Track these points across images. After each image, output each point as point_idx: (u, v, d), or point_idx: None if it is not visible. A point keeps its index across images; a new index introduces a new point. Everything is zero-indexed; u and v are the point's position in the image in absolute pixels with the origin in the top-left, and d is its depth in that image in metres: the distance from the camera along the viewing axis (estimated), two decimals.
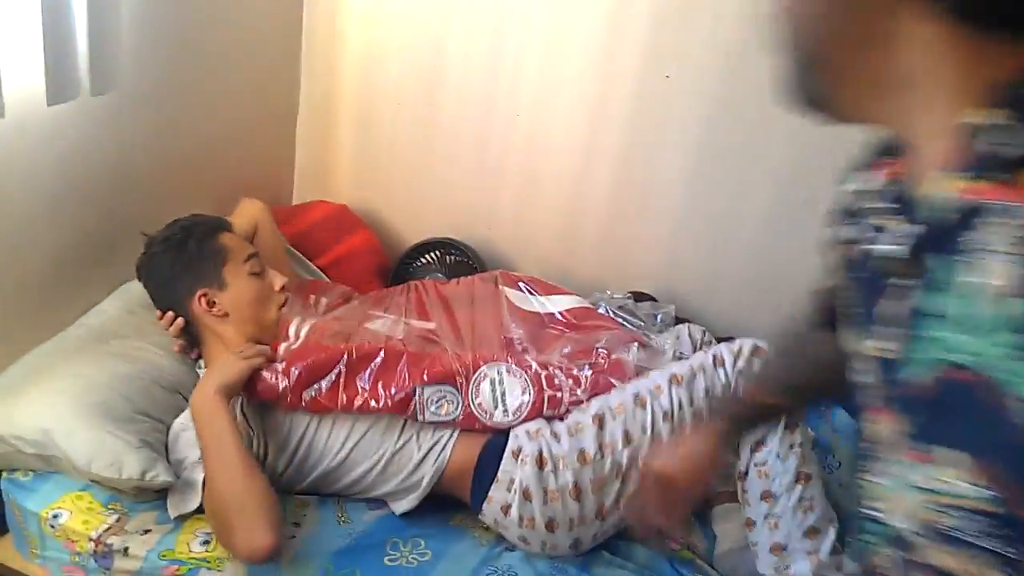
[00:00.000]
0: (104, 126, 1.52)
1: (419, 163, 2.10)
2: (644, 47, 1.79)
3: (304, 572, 1.26)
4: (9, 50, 1.21)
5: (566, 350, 1.52)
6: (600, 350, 1.51)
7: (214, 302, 1.44)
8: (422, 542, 1.36)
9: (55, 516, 1.31)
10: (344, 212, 2.08)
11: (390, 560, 1.31)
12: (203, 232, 1.47)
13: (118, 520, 1.31)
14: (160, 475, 1.29)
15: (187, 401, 1.43)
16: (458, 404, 1.37)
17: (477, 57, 1.93)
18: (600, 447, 1.33)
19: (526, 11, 1.85)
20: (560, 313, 1.68)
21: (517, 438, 1.37)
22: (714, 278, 1.94)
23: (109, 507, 1.33)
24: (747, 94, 1.75)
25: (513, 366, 1.42)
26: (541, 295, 1.73)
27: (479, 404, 1.37)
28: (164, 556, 1.26)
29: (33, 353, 1.46)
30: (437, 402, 1.36)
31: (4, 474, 1.38)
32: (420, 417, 1.35)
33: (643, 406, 1.35)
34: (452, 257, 2.06)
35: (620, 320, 1.72)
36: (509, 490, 1.33)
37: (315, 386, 1.36)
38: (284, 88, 2.10)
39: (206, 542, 1.29)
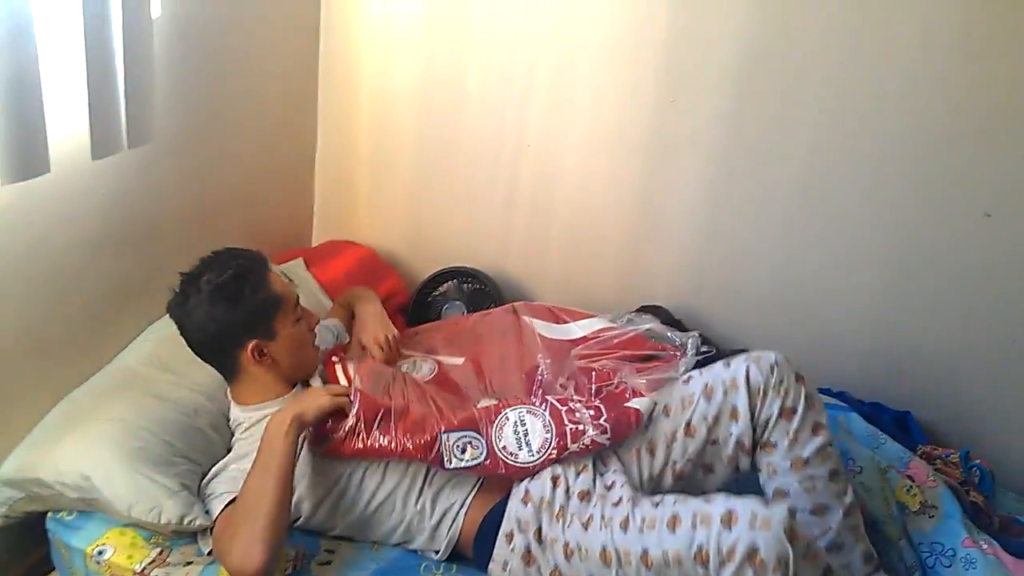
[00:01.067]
0: (138, 176, 1.60)
1: (434, 196, 2.16)
2: (654, 72, 1.86)
3: None
4: (54, 107, 1.29)
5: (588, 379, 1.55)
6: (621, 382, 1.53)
7: (264, 352, 1.41)
8: (453, 567, 1.40)
9: (100, 552, 1.36)
10: (372, 258, 2.15)
11: None
12: (256, 280, 1.39)
13: (160, 553, 1.36)
14: (198, 519, 1.33)
15: (222, 440, 1.50)
16: (483, 449, 1.37)
17: (490, 92, 2.01)
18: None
19: (536, 43, 1.93)
20: (589, 335, 1.69)
21: (509, 520, 1.36)
22: (733, 298, 1.99)
23: (152, 541, 1.38)
24: (759, 116, 1.81)
25: (534, 407, 1.44)
26: (568, 321, 1.75)
27: (503, 447, 1.37)
28: None
29: (71, 396, 1.52)
30: (462, 448, 1.37)
31: (49, 514, 1.43)
32: (447, 463, 1.36)
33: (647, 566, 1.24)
34: (469, 285, 2.12)
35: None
36: (504, 570, 1.35)
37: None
38: (302, 132, 2.18)
39: None
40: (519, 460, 1.37)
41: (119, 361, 1.61)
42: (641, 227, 2.02)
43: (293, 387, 1.48)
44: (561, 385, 1.56)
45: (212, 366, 1.46)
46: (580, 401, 1.46)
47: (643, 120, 1.91)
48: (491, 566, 1.36)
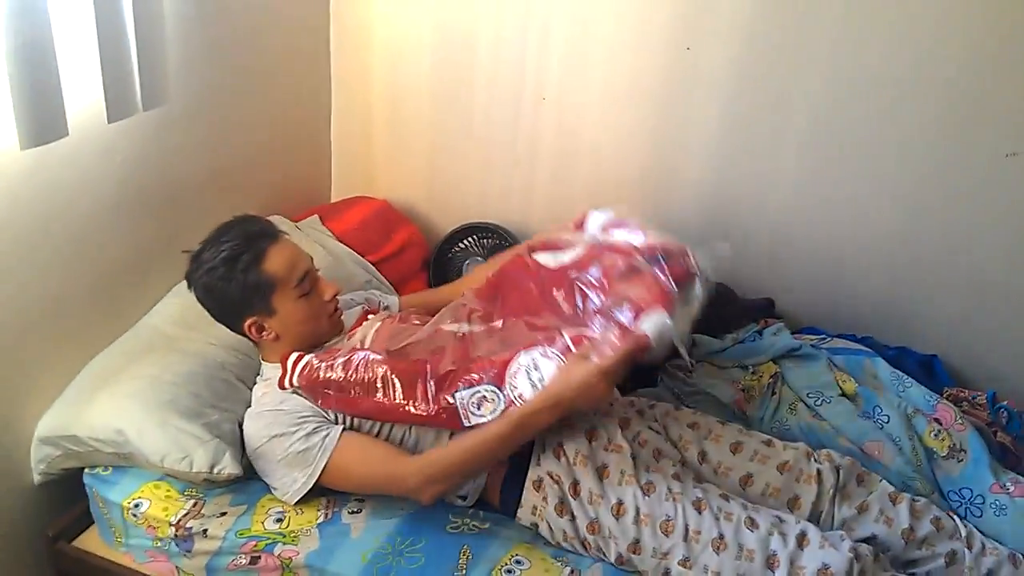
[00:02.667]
0: (156, 139, 1.61)
1: (452, 152, 2.15)
2: (667, 20, 1.83)
3: (373, 542, 1.34)
4: (69, 72, 1.29)
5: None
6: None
7: (263, 327, 1.43)
8: (480, 512, 1.43)
9: (136, 505, 1.40)
10: (387, 209, 2.16)
11: (452, 528, 1.39)
12: (249, 260, 1.38)
13: (195, 505, 1.40)
14: (227, 467, 1.36)
15: (249, 390, 1.52)
16: (499, 400, 1.34)
17: (504, 43, 1.98)
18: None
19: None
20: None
21: (538, 470, 1.37)
22: (753, 244, 1.97)
23: (186, 494, 1.42)
24: (772, 59, 1.78)
25: (546, 348, 1.37)
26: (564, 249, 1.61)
27: (520, 395, 1.34)
28: (241, 534, 1.35)
29: (100, 357, 1.55)
30: (478, 404, 1.34)
31: (86, 469, 1.47)
32: (466, 422, 1.33)
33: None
34: (489, 240, 2.12)
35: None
36: (534, 514, 1.37)
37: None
38: (317, 91, 2.17)
39: (279, 520, 1.37)
40: None
41: (145, 321, 1.64)
42: (659, 175, 2.00)
43: (314, 348, 1.49)
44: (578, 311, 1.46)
45: None
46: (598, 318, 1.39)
47: (658, 68, 1.88)
48: (519, 512, 1.38)
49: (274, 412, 1.40)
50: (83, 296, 1.53)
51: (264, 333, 1.44)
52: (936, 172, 1.74)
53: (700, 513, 1.26)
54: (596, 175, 2.05)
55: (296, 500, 1.37)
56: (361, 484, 1.38)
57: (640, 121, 1.96)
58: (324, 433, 1.36)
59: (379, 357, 1.38)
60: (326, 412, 1.39)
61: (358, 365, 1.37)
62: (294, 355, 1.42)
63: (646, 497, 1.29)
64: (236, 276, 1.38)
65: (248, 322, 1.43)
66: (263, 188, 2.00)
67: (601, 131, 2.00)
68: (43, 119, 1.27)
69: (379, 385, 1.36)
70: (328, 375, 1.37)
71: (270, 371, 1.49)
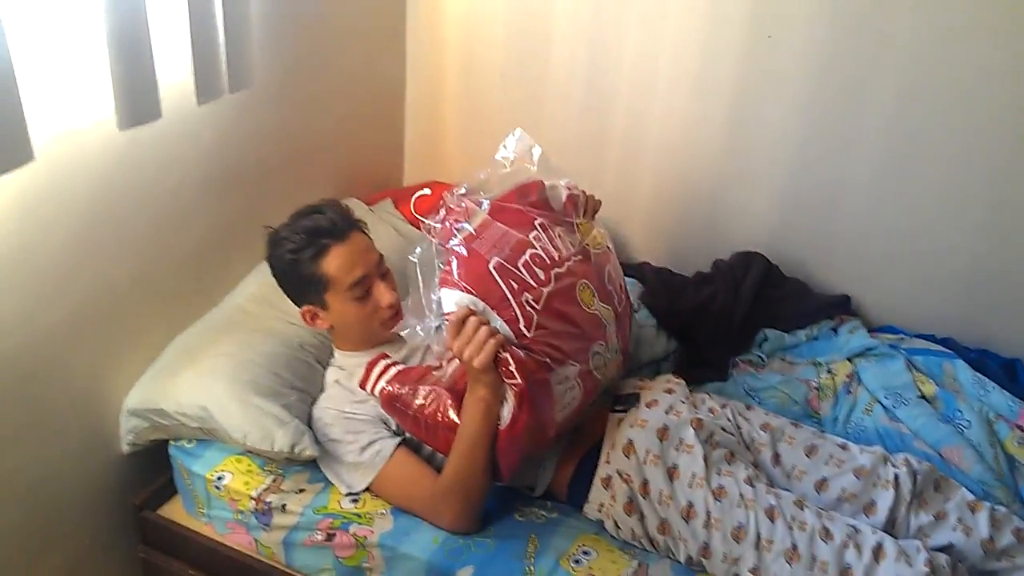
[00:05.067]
0: (238, 121, 1.65)
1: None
2: (747, 7, 1.79)
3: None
4: (161, 57, 1.33)
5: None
6: None
7: (317, 316, 1.48)
8: (548, 503, 1.44)
9: (219, 478, 1.45)
10: None
11: (520, 516, 1.41)
12: (310, 255, 1.42)
13: (275, 480, 1.44)
14: (307, 448, 1.39)
15: (325, 369, 1.56)
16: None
17: (579, 27, 1.96)
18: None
19: None
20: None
21: (607, 467, 1.38)
22: (827, 241, 1.92)
23: (266, 469, 1.47)
24: (853, 53, 1.73)
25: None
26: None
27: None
28: (319, 511, 1.39)
29: (186, 333, 1.60)
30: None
31: (171, 441, 1.53)
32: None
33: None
34: None
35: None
36: (600, 511, 1.38)
37: None
38: (392, 74, 2.19)
39: (355, 500, 1.41)
40: None
41: (229, 299, 1.69)
42: (730, 168, 1.96)
43: (373, 345, 1.51)
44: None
45: None
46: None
47: (735, 55, 1.84)
48: (586, 507, 1.39)
49: (336, 413, 1.44)
50: (170, 272, 1.58)
51: (318, 322, 1.49)
52: (1018, 165, 1.67)
53: (773, 522, 1.24)
54: (663, 166, 2.02)
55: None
56: (403, 503, 1.40)
57: (712, 110, 1.91)
58: (377, 449, 1.39)
59: (450, 402, 1.35)
60: (388, 419, 1.42)
61: (434, 402, 1.35)
62: (381, 363, 1.43)
63: (717, 502, 1.28)
64: (296, 266, 1.44)
65: (303, 309, 1.48)
66: (339, 170, 2.03)
67: (671, 120, 1.97)
68: (139, 101, 1.31)
69: (447, 430, 1.34)
70: (407, 399, 1.36)
71: (341, 358, 1.54)
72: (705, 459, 1.33)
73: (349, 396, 1.45)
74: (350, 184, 2.05)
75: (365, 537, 1.35)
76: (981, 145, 1.69)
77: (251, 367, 1.50)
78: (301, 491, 1.42)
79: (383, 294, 1.46)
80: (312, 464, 1.45)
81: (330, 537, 1.37)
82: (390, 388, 1.37)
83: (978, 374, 1.64)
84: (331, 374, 1.53)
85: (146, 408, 1.49)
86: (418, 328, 1.29)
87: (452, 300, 1.27)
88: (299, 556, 1.41)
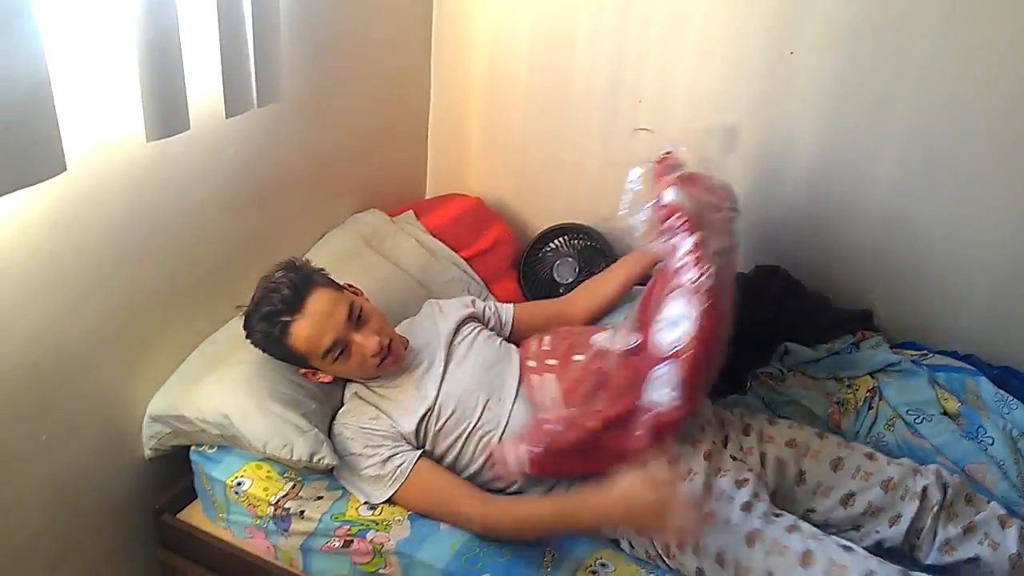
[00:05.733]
0: (264, 134, 1.68)
1: (546, 151, 2.16)
2: (767, 25, 1.79)
3: (461, 535, 1.37)
4: (191, 70, 1.36)
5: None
6: None
7: (316, 373, 1.50)
8: None
9: (239, 484, 1.47)
10: (480, 206, 2.18)
11: None
12: (277, 337, 1.43)
13: (294, 487, 1.46)
14: (326, 457, 1.41)
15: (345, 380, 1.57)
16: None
17: (602, 43, 1.97)
18: None
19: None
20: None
21: None
22: (848, 256, 1.91)
23: (285, 476, 1.48)
24: (872, 70, 1.73)
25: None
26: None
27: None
28: (336, 518, 1.40)
29: (209, 341, 1.62)
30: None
31: (192, 447, 1.55)
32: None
33: None
34: (580, 242, 2.12)
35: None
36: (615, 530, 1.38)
37: None
38: (416, 90, 2.21)
39: (372, 508, 1.42)
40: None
41: None
42: (751, 182, 1.94)
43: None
44: None
45: None
46: None
47: (756, 71, 1.84)
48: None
49: (356, 428, 1.46)
50: (194, 282, 1.61)
51: (318, 376, 1.51)
52: None
53: (751, 548, 1.22)
54: None
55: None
56: (427, 512, 1.41)
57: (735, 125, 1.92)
58: (399, 462, 1.40)
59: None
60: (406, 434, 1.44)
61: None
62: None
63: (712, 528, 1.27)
64: (271, 349, 1.47)
65: (301, 371, 1.51)
66: (362, 183, 2.06)
67: (694, 135, 1.97)
68: (168, 113, 1.33)
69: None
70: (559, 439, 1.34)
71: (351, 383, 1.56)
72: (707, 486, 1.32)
73: (368, 411, 1.47)
74: (373, 196, 2.07)
75: (382, 544, 1.36)
76: (1005, 159, 1.68)
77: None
78: (319, 498, 1.44)
79: (364, 346, 1.43)
80: (331, 471, 1.46)
81: (347, 543, 1.38)
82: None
83: (1001, 391, 1.62)
84: (350, 387, 1.55)
85: (168, 414, 1.51)
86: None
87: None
88: (317, 562, 1.42)
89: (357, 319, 1.44)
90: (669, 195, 1.32)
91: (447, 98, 2.23)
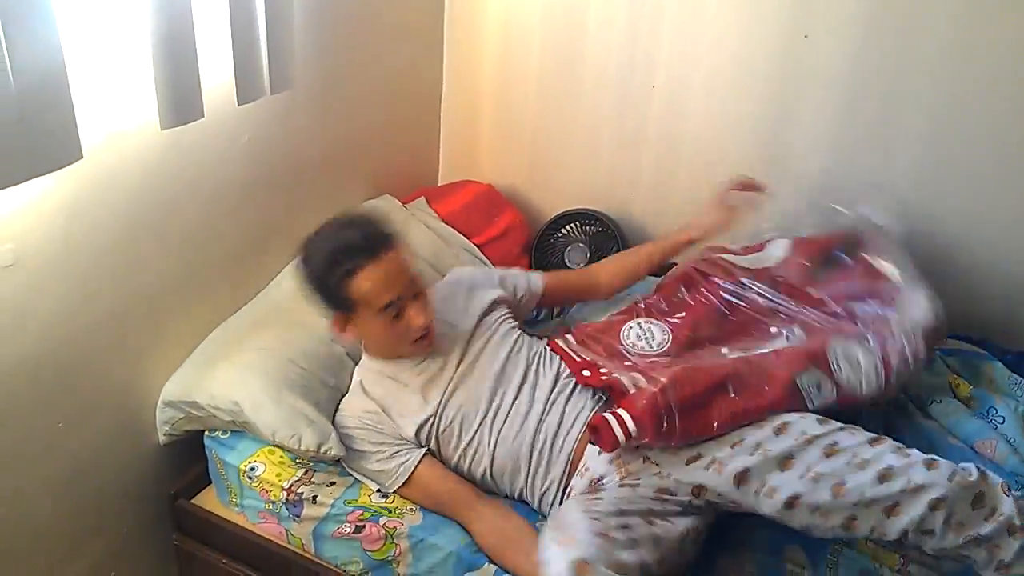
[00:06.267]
0: (277, 121, 1.68)
1: (558, 137, 2.16)
2: (783, 8, 1.78)
3: None
4: (203, 58, 1.36)
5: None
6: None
7: (345, 327, 1.45)
8: None
9: (252, 469, 1.48)
10: (492, 192, 2.19)
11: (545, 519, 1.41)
12: (341, 275, 1.37)
13: (306, 473, 1.47)
14: (333, 448, 1.42)
15: (356, 364, 1.58)
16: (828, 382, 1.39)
17: (615, 28, 1.97)
18: None
19: None
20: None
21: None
22: None
23: (298, 461, 1.49)
24: (888, 55, 1.72)
25: (848, 337, 1.44)
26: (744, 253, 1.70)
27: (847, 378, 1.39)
28: (349, 503, 1.41)
29: (222, 328, 1.64)
30: (818, 386, 1.38)
31: (206, 432, 1.57)
32: (810, 404, 1.36)
33: None
34: (591, 228, 2.12)
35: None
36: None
37: None
38: (429, 76, 2.21)
39: (385, 495, 1.43)
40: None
41: (265, 294, 1.72)
42: (767, 168, 1.94)
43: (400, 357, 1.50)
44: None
45: None
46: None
47: (771, 55, 1.83)
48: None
49: (358, 424, 1.46)
50: (207, 269, 1.62)
51: (346, 332, 1.47)
52: None
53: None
54: (700, 165, 2.02)
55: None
56: (432, 509, 1.42)
57: (748, 111, 1.91)
58: (402, 460, 1.41)
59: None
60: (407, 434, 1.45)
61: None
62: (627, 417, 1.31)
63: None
64: (325, 285, 1.40)
65: (332, 319, 1.46)
66: (375, 169, 2.07)
67: (707, 120, 1.97)
68: (182, 102, 1.34)
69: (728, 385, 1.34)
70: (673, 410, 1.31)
71: (368, 361, 1.55)
72: None
73: (369, 407, 1.47)
74: (385, 182, 2.08)
75: (395, 528, 1.37)
76: (1020, 154, 1.67)
77: (284, 363, 1.53)
78: (332, 484, 1.45)
79: (415, 316, 1.42)
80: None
81: (359, 529, 1.39)
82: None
83: (1015, 375, 1.62)
84: (358, 373, 1.55)
85: (181, 400, 1.53)
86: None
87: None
88: (328, 547, 1.43)
89: (417, 290, 1.44)
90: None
91: (459, 85, 2.23)
